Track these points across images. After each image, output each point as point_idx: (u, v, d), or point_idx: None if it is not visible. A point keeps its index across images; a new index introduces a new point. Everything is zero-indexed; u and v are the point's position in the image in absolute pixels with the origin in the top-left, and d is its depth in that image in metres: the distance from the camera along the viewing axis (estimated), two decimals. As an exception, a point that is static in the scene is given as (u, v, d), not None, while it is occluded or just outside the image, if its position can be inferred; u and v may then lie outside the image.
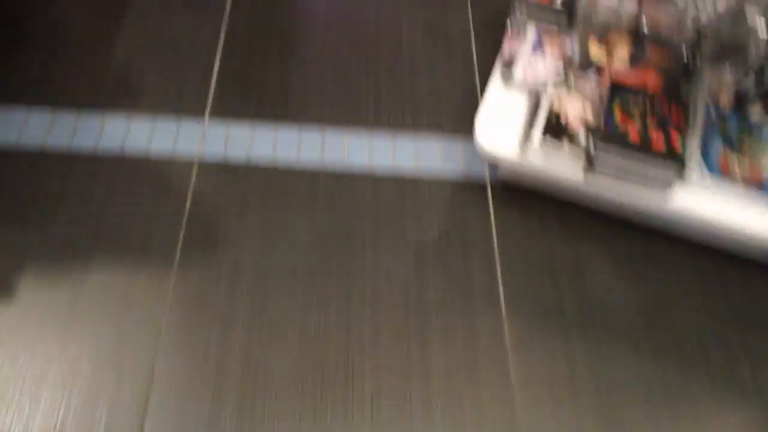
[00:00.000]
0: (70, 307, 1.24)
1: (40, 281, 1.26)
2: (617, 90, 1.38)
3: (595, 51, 1.45)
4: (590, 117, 1.36)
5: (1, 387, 1.15)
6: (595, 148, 1.30)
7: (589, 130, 1.34)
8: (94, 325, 1.23)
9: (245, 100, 1.56)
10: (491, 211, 1.46)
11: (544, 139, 1.33)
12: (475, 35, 1.76)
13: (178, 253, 1.32)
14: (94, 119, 1.48)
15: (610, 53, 1.44)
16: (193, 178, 1.43)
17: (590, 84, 1.41)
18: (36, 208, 1.35)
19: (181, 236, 1.34)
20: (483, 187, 1.49)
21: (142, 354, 1.21)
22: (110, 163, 1.43)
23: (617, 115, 1.34)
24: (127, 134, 1.47)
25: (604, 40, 1.46)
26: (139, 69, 1.57)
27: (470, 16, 1.81)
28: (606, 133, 1.31)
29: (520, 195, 1.48)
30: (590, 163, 1.32)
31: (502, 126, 1.40)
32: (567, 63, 1.44)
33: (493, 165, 1.50)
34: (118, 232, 1.34)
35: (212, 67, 1.60)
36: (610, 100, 1.36)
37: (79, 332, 1.22)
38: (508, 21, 1.54)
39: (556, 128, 1.35)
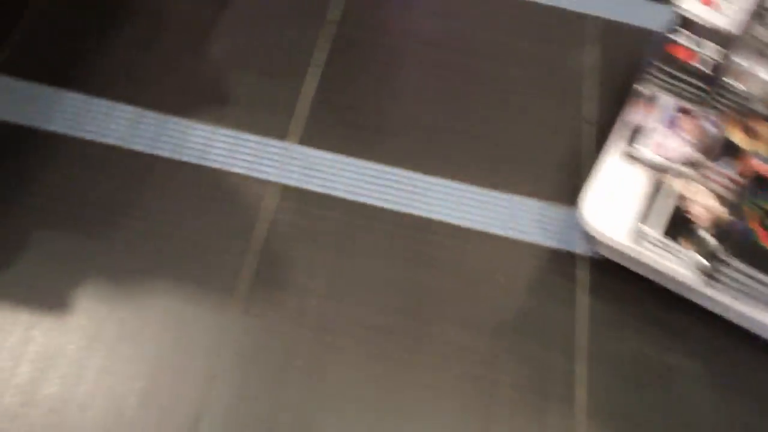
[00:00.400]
0: (122, 330, 1.18)
1: (97, 296, 1.20)
2: (757, 188, 1.20)
3: (738, 137, 1.27)
4: (719, 216, 1.20)
5: (41, 405, 1.11)
6: (719, 255, 1.14)
7: (716, 232, 1.18)
8: (143, 355, 1.16)
9: (335, 128, 1.45)
10: (581, 292, 1.32)
11: (661, 235, 1.18)
12: (590, 84, 1.59)
13: (242, 286, 1.24)
14: (179, 124, 1.41)
15: (754, 143, 1.26)
16: (270, 204, 1.34)
17: (725, 176, 1.23)
18: (107, 211, 1.29)
19: (248, 267, 1.26)
20: (575, 262, 1.35)
21: (190, 396, 1.14)
22: (189, 173, 1.36)
23: (751, 218, 1.17)
24: (209, 145, 1.39)
25: (750, 126, 1.28)
26: (231, 76, 1.49)
27: (589, 58, 1.64)
28: (735, 240, 1.14)
29: (616, 276, 1.33)
30: (711, 270, 1.16)
31: (613, 204, 1.25)
32: (702, 147, 1.27)
33: (592, 240, 1.35)
34: (187, 251, 1.27)
35: (307, 86, 1.50)
36: (746, 199, 1.19)
37: (126, 360, 1.15)
38: (638, 83, 1.38)
39: (677, 222, 1.19)
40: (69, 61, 1.46)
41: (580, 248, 1.36)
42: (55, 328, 1.17)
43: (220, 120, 1.42)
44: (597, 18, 1.70)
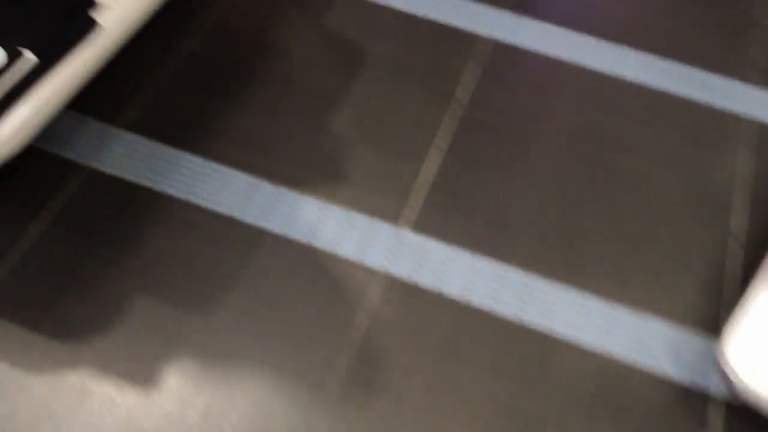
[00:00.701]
0: (204, 414, 1.12)
1: (185, 374, 1.16)
2: None
3: None
4: None
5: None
6: None
7: None
8: (226, 445, 1.10)
9: (451, 217, 1.36)
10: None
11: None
12: (742, 195, 1.42)
13: (335, 382, 1.16)
14: (292, 197, 1.37)
15: None
16: (375, 294, 1.26)
17: None
18: (208, 284, 1.26)
19: (343, 362, 1.19)
20: (707, 403, 1.18)
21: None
22: (295, 251, 1.30)
23: None
24: (319, 223, 1.34)
25: None
26: (349, 150, 1.44)
27: (742, 165, 1.47)
28: None
29: (758, 426, 1.15)
30: None
31: (762, 347, 1.08)
32: None
33: (731, 382, 1.18)
34: (283, 338, 1.21)
35: (427, 168, 1.43)
36: None
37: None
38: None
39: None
40: (193, 122, 1.46)
41: (715, 387, 1.19)
42: (137, 401, 1.13)
43: (332, 196, 1.37)
44: (754, 121, 1.53)
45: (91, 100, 1.43)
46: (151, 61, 1.54)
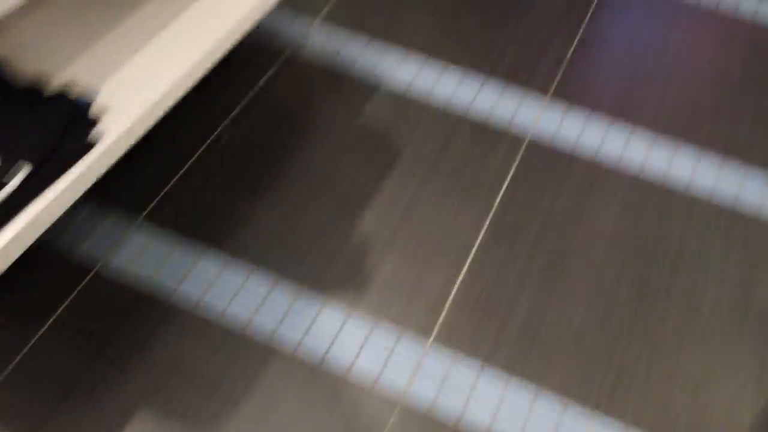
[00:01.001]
0: None
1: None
2: None
3: None
4: None
5: None
6: None
7: None
8: None
9: (480, 333, 1.25)
10: None
11: None
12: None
13: None
14: (310, 304, 1.28)
15: None
16: (391, 422, 1.15)
17: None
18: (213, 399, 1.17)
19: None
20: None
21: None
22: (307, 368, 1.21)
23: None
24: (338, 336, 1.24)
25: None
26: (377, 256, 1.35)
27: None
28: None
29: None
30: None
31: None
32: None
33: None
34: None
35: (456, 276, 1.32)
36: None
37: None
38: None
39: None
40: (213, 217, 1.39)
41: None
42: None
43: (354, 304, 1.28)
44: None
45: (108, 191, 1.39)
46: (175, 150, 1.49)
